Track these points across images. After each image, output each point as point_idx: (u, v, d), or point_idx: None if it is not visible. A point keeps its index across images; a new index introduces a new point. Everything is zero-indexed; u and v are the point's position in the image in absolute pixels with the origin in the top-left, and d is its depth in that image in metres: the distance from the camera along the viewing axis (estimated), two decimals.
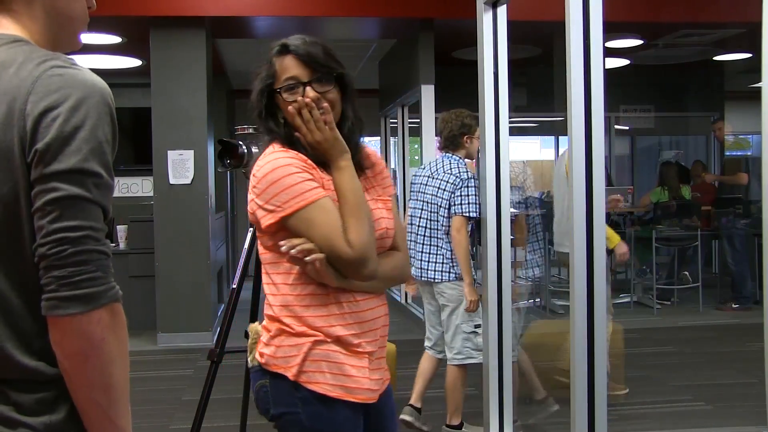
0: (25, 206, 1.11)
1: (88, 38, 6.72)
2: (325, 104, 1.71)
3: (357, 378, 1.72)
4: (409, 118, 7.84)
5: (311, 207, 1.66)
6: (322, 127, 1.69)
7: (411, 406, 3.98)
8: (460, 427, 3.93)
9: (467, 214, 3.75)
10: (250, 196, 1.75)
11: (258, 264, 3.11)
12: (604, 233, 2.27)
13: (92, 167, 1.10)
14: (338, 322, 1.71)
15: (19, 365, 1.12)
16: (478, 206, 3.69)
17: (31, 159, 1.09)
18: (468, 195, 3.76)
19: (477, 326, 3.71)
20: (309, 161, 1.72)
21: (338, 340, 1.71)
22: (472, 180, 3.77)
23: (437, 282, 3.86)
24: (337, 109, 1.75)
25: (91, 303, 1.08)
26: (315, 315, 1.71)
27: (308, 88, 1.71)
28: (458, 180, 3.80)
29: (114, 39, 6.89)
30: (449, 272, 3.81)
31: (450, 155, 3.92)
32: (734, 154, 11.80)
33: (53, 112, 1.09)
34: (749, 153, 11.77)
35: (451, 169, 3.84)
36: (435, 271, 3.84)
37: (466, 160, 3.97)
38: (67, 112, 1.09)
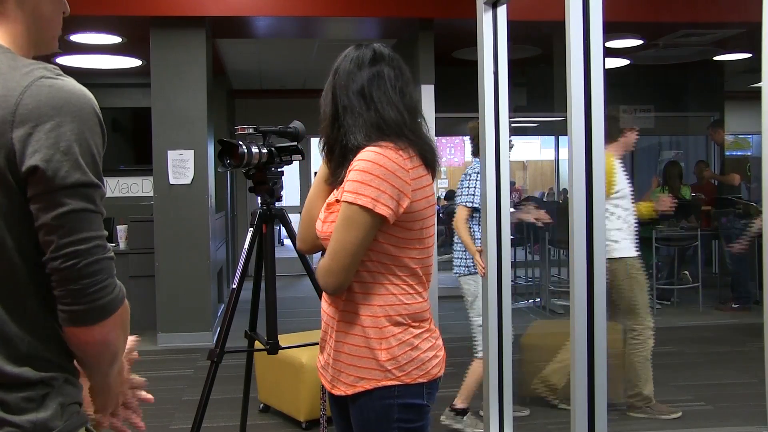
0: (8, 214, 1.11)
1: (88, 38, 6.73)
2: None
3: None
4: None
5: None
6: None
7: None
8: (463, 413, 4.00)
9: (465, 204, 3.91)
10: None
11: (258, 264, 3.12)
12: (604, 234, 2.27)
13: (92, 180, 1.13)
14: None
15: (1, 371, 1.12)
16: (476, 197, 3.83)
17: (27, 173, 1.09)
18: (468, 187, 3.93)
19: None
20: None
21: None
22: (475, 173, 3.85)
23: (457, 277, 4.05)
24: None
25: (107, 312, 1.15)
26: None
27: None
28: (464, 175, 3.99)
29: (114, 39, 6.89)
30: (463, 266, 3.99)
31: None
32: (734, 154, 11.79)
33: (46, 125, 1.09)
34: (749, 153, 11.77)
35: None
36: (455, 266, 4.04)
37: None
38: (59, 126, 1.10)
